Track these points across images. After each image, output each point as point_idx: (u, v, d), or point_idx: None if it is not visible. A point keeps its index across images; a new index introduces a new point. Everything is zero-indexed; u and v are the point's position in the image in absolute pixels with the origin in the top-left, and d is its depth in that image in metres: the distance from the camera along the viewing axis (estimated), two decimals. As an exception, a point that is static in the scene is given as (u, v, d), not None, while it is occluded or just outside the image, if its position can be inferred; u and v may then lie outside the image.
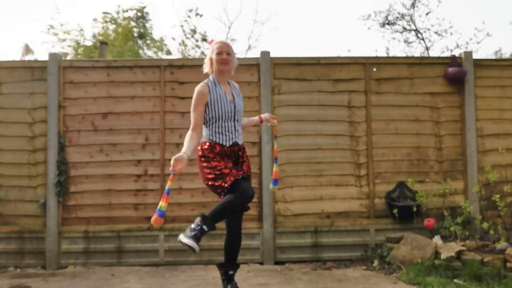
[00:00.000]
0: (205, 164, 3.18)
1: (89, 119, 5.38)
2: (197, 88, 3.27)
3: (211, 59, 3.30)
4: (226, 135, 3.26)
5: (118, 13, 16.93)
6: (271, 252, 5.27)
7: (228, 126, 3.29)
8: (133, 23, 17.07)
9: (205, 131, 3.29)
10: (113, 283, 4.44)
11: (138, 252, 5.27)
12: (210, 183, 3.18)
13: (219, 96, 3.27)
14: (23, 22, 25.08)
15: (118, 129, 5.38)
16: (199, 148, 3.26)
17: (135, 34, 16.79)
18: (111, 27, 16.76)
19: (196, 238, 3.04)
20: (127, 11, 16.98)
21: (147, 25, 17.38)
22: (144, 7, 17.16)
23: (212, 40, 3.39)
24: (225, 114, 3.27)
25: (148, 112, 5.41)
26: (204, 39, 16.57)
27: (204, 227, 3.09)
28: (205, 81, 3.32)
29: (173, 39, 18.04)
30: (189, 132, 3.19)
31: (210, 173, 3.15)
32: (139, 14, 17.15)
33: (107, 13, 16.79)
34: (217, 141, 3.24)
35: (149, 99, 5.42)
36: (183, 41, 16.59)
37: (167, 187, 2.89)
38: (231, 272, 3.39)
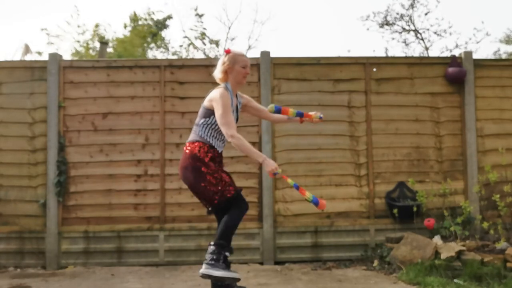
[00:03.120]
0: (203, 167, 3.18)
1: (89, 119, 5.38)
2: (222, 93, 3.23)
3: (231, 69, 3.30)
4: (221, 142, 3.34)
5: (140, 19, 16.85)
6: (271, 252, 5.27)
7: (224, 136, 3.35)
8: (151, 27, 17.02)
9: (201, 130, 3.28)
10: (113, 283, 4.44)
11: (138, 252, 5.26)
12: (209, 187, 3.19)
13: (232, 106, 3.31)
14: (19, 20, 25.07)
15: (118, 129, 5.38)
16: (194, 146, 3.24)
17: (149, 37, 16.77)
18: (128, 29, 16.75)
19: (224, 268, 3.10)
20: (152, 18, 16.92)
21: (164, 29, 17.33)
22: (170, 16, 17.11)
23: (229, 49, 3.38)
24: None
25: (148, 112, 5.41)
26: (213, 42, 16.52)
27: (226, 253, 3.17)
28: (223, 87, 3.30)
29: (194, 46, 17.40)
30: (237, 135, 3.16)
31: (210, 177, 3.17)
32: (161, 20, 17.12)
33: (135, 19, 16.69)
34: (214, 145, 3.27)
35: (149, 99, 5.42)
36: (192, 44, 16.58)
37: (292, 183, 3.10)
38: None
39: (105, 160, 5.35)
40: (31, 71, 5.39)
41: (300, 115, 3.34)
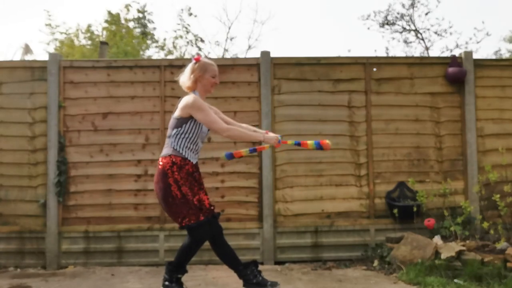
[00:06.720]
0: (173, 186, 3.16)
1: (89, 119, 5.38)
2: (194, 97, 3.21)
3: (201, 77, 3.29)
4: (195, 153, 3.31)
5: (118, 16, 16.72)
6: (271, 252, 5.28)
7: (199, 146, 3.34)
8: (134, 23, 16.90)
9: (174, 142, 3.23)
10: (113, 283, 4.44)
11: (138, 252, 5.27)
12: (174, 207, 3.17)
13: None
14: (18, 20, 25.06)
15: (118, 129, 5.38)
16: (166, 162, 3.19)
17: (137, 34, 16.62)
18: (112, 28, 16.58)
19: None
20: (127, 11, 16.78)
21: (149, 25, 17.22)
22: (145, 9, 17.00)
23: (199, 57, 3.36)
24: (203, 134, 3.32)
25: (148, 112, 5.41)
26: (198, 40, 16.50)
27: (178, 275, 3.32)
28: (194, 95, 3.27)
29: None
30: (229, 127, 3.19)
31: (178, 196, 3.15)
32: (140, 15, 16.99)
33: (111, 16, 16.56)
34: (187, 157, 3.23)
35: (149, 99, 5.42)
36: (176, 37, 16.53)
37: (292, 143, 3.29)
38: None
39: (105, 160, 5.35)
40: (31, 71, 5.39)
41: (253, 151, 3.41)
